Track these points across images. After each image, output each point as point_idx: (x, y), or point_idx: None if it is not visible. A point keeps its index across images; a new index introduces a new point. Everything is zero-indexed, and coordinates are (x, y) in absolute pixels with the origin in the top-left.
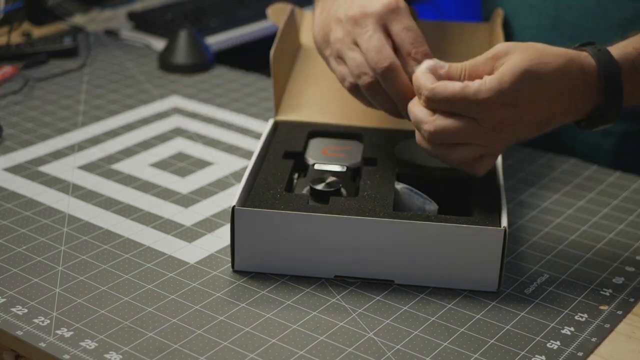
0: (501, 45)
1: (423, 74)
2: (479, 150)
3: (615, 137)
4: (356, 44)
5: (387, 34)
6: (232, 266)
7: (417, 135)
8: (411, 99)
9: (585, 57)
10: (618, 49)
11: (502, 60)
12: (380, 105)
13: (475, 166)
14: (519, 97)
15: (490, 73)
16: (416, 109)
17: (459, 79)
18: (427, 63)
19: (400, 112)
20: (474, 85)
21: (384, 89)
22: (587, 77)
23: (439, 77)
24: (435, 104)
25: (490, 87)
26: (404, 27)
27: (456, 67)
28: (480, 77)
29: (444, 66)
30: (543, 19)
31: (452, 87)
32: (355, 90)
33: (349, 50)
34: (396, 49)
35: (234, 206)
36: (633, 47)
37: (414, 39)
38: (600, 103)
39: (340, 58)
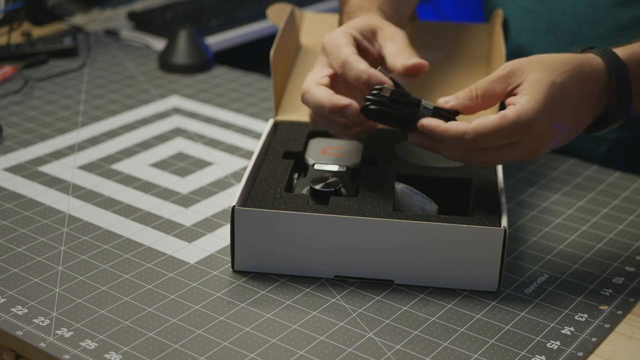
0: (510, 64)
1: (451, 126)
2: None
3: (606, 145)
4: None
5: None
6: (232, 266)
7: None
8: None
9: (592, 57)
10: (623, 49)
11: (517, 78)
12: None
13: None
14: (553, 110)
15: (504, 91)
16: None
17: (474, 101)
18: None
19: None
20: (511, 113)
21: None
22: (599, 77)
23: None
24: (479, 143)
25: (530, 107)
26: (333, 59)
27: (466, 92)
28: (496, 96)
29: (449, 100)
30: (538, 23)
31: (491, 121)
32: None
33: None
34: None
35: (234, 206)
36: (639, 46)
37: (334, 60)
38: (611, 102)
39: None
